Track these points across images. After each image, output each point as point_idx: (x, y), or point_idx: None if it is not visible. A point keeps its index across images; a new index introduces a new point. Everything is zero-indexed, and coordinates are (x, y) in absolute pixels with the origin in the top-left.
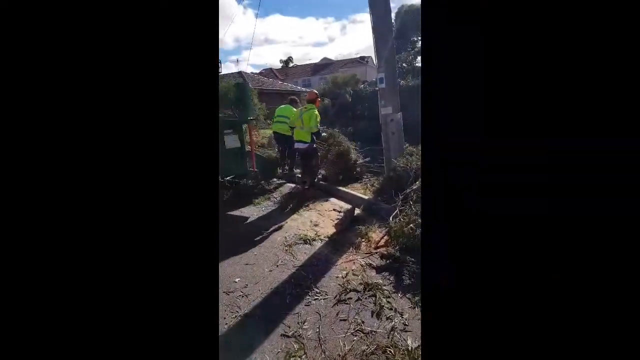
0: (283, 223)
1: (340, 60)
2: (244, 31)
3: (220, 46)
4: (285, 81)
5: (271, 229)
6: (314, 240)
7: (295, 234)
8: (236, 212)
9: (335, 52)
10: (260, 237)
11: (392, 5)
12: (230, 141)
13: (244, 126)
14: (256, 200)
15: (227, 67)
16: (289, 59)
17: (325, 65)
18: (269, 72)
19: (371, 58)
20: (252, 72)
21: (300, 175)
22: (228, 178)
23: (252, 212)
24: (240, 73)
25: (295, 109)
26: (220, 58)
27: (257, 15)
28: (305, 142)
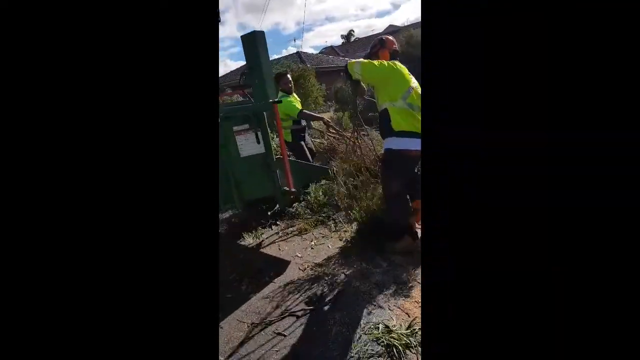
0: None
1: (410, 25)
2: (305, 13)
3: (282, 31)
4: (347, 57)
5: None
6: None
7: None
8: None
9: (402, 19)
10: None
11: None
12: (247, 144)
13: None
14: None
15: (288, 52)
16: (350, 34)
17: (391, 33)
18: (329, 51)
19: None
20: (312, 53)
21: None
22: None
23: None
24: (298, 54)
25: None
26: (280, 43)
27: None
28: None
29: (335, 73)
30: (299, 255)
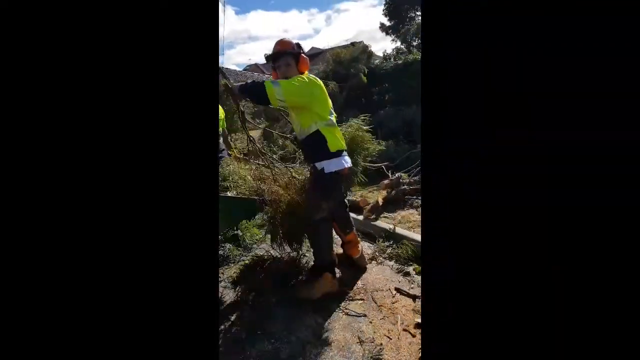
0: None
1: (331, 48)
2: (226, 30)
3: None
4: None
5: None
6: None
7: None
8: None
9: (322, 43)
10: None
11: None
12: None
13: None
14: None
15: None
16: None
17: (315, 55)
18: (254, 68)
19: (363, 42)
20: (235, 70)
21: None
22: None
23: None
24: (219, 69)
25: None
26: None
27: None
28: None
29: None
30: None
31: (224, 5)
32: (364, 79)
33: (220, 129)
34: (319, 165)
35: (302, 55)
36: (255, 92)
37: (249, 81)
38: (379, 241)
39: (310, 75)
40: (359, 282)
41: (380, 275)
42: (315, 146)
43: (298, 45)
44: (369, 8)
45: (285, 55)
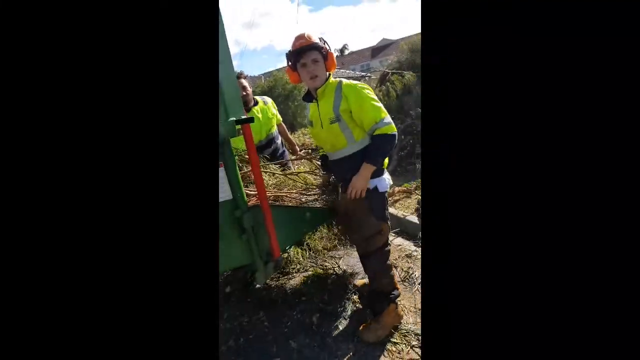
0: None
1: (403, 38)
2: (301, 28)
3: (275, 47)
4: (342, 69)
5: None
6: None
7: None
8: None
9: (394, 34)
10: None
11: None
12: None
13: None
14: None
15: (283, 65)
16: (344, 47)
17: (385, 46)
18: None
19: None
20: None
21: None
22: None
23: None
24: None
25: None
26: (275, 58)
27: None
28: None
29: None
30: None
31: (298, 5)
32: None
33: (274, 127)
34: (371, 183)
35: (331, 52)
36: (390, 146)
37: (377, 150)
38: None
39: (349, 80)
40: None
41: None
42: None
43: (324, 40)
44: None
45: (312, 50)
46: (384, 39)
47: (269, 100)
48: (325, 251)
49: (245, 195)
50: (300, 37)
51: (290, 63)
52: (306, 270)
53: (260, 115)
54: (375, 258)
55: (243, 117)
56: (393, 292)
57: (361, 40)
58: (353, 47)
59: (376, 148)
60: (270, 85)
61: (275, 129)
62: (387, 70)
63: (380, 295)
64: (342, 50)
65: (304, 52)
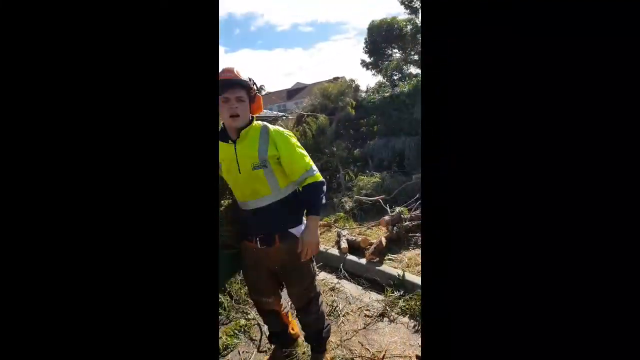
0: None
1: (316, 83)
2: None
3: None
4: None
5: None
6: None
7: None
8: None
9: (306, 79)
10: None
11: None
12: None
13: None
14: None
15: None
16: (262, 87)
17: (299, 89)
18: None
19: (344, 78)
20: None
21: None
22: None
23: None
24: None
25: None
26: None
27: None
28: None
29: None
30: None
31: None
32: (352, 111)
33: None
34: (296, 231)
35: (259, 95)
36: (324, 194)
37: (317, 200)
38: (387, 291)
39: (273, 126)
40: (369, 348)
41: (396, 338)
42: (292, 209)
43: (253, 81)
44: (350, 47)
45: (238, 87)
46: (298, 83)
47: None
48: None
49: None
50: (228, 70)
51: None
52: (230, 321)
53: None
54: (316, 301)
55: None
56: (327, 327)
57: (277, 82)
58: (269, 88)
59: (316, 198)
60: None
61: None
62: (302, 112)
63: (320, 334)
64: (259, 90)
65: (229, 86)
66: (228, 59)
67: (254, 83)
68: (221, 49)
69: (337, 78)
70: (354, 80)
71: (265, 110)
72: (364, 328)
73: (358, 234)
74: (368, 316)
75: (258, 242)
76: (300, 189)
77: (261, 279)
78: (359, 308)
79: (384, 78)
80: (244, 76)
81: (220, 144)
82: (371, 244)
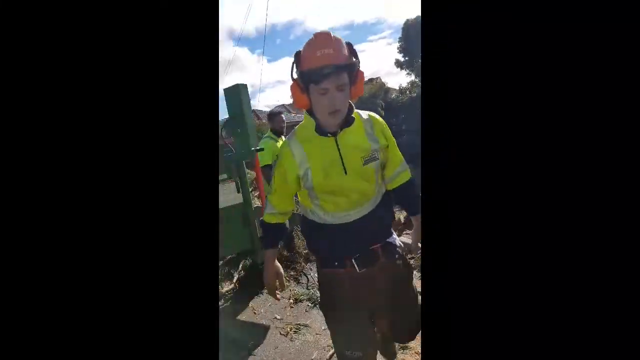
0: None
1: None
2: (259, 77)
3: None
4: (298, 114)
5: None
6: None
7: None
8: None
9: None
10: None
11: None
12: (225, 195)
13: (246, 164)
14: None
15: None
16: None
17: None
18: (281, 109)
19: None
20: (266, 111)
21: None
22: (228, 256)
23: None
24: (253, 112)
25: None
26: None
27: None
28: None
29: (289, 128)
30: (278, 317)
31: (258, 56)
32: (382, 112)
33: None
34: (393, 240)
35: (361, 70)
36: None
37: (417, 197)
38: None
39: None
40: None
41: None
42: (390, 213)
43: (354, 52)
44: (385, 46)
45: (342, 73)
46: None
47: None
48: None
49: (251, 199)
50: (325, 43)
51: (299, 80)
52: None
53: (278, 144)
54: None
55: (256, 147)
56: None
57: None
58: None
59: (415, 195)
60: None
61: None
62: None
63: None
64: (304, 79)
65: (329, 74)
66: (271, 68)
67: (356, 56)
68: (264, 59)
69: (372, 79)
70: (384, 83)
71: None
72: None
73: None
74: None
75: (357, 265)
76: (393, 187)
77: (362, 323)
78: None
79: (416, 77)
80: (345, 49)
81: (311, 141)
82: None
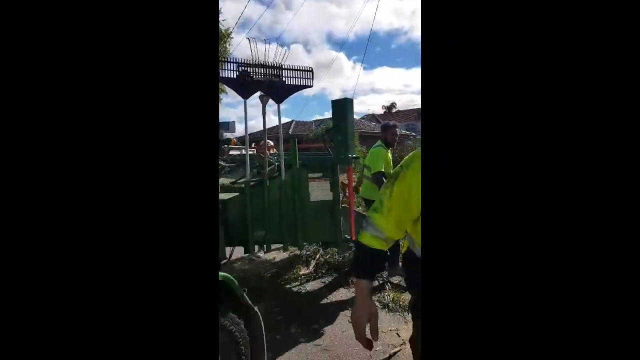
0: None
1: None
2: (352, 82)
3: (328, 95)
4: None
5: None
6: None
7: None
8: None
9: None
10: None
11: None
12: (318, 190)
13: (340, 170)
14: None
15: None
16: (392, 105)
17: None
18: (370, 118)
19: None
20: (355, 118)
21: None
22: (311, 247)
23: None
24: None
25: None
26: (325, 106)
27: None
28: None
29: (375, 138)
30: (348, 307)
31: (354, 62)
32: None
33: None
34: None
35: None
36: None
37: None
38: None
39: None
40: None
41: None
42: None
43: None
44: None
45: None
46: None
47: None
48: None
49: (339, 198)
50: None
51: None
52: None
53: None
54: None
55: (355, 155)
56: None
57: (410, 101)
58: (400, 106)
59: None
60: None
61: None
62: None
63: None
64: (390, 108)
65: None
66: (366, 76)
67: None
68: (359, 66)
69: None
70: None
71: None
72: None
73: None
74: None
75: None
76: None
77: None
78: None
79: None
80: None
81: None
82: None
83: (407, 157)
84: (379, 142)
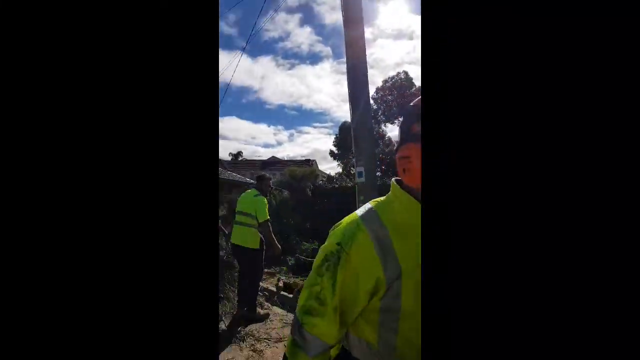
0: None
1: (288, 160)
2: None
3: None
4: (234, 172)
5: None
6: None
7: None
8: None
9: (282, 154)
10: None
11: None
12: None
13: None
14: None
15: None
16: (239, 154)
17: (273, 162)
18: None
19: (315, 161)
20: None
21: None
22: None
23: None
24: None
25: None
26: None
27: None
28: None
29: (226, 185)
30: None
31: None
32: (309, 192)
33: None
34: None
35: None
36: None
37: None
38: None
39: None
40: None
41: None
42: None
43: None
44: (325, 135)
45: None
46: (273, 157)
47: None
48: None
49: None
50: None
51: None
52: None
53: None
54: None
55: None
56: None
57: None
58: (247, 155)
59: None
60: None
61: None
62: (271, 185)
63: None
64: (236, 156)
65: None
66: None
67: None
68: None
69: (310, 160)
70: (314, 170)
71: (238, 177)
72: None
73: (293, 281)
74: (286, 323)
75: None
76: None
77: None
78: (280, 319)
79: (343, 171)
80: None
81: (405, 232)
82: (300, 286)
83: (337, 229)
84: (255, 191)
